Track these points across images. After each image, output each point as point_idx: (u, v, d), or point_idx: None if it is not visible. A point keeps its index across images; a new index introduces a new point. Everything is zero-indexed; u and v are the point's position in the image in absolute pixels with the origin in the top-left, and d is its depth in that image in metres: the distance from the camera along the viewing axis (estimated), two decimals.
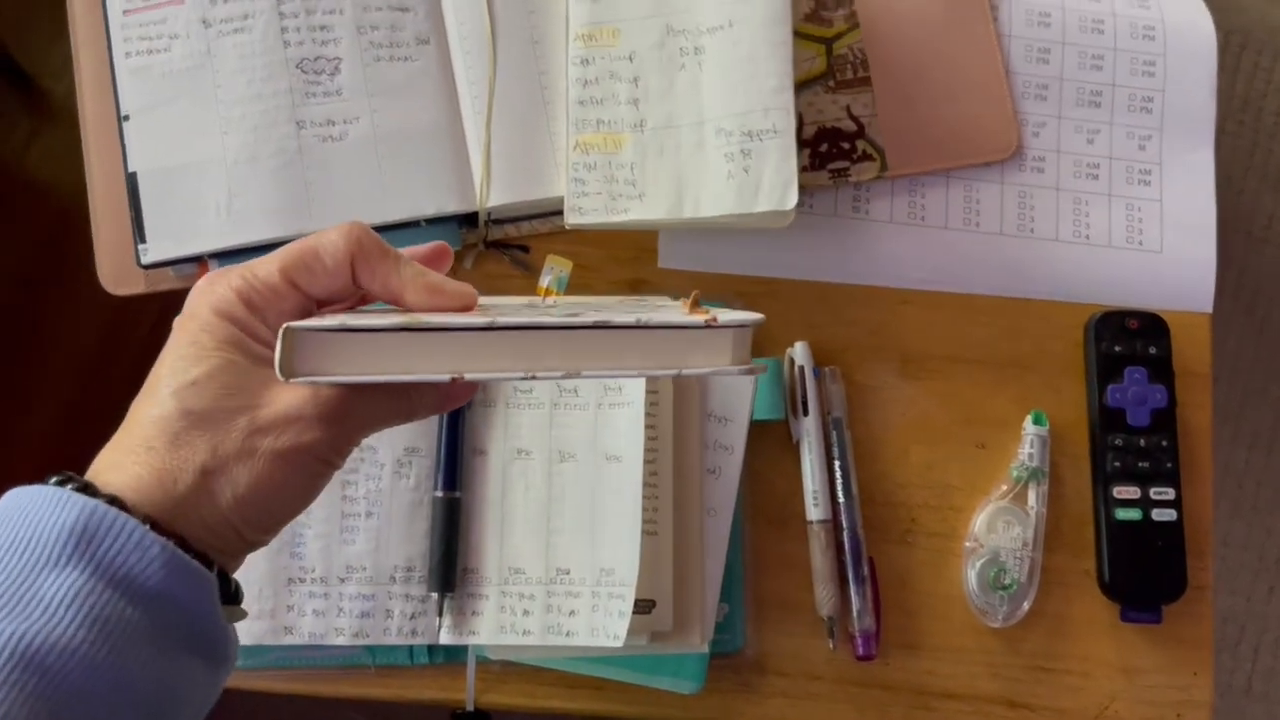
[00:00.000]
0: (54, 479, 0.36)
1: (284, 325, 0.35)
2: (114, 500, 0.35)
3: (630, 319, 0.36)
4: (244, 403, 0.37)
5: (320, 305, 0.41)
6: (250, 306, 0.39)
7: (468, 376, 0.35)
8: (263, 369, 0.38)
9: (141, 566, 0.35)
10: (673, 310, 0.40)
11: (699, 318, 0.36)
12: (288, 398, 0.38)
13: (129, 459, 0.37)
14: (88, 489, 0.36)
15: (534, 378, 0.36)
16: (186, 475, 0.37)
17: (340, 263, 0.40)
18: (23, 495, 0.36)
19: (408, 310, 0.40)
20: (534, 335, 0.36)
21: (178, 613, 0.36)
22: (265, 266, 0.39)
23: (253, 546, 0.40)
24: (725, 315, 0.36)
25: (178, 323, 0.40)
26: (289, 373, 0.35)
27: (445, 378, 0.35)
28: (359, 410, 0.39)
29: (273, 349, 0.36)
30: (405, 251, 0.42)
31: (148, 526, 0.35)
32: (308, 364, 0.35)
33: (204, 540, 0.37)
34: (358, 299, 0.43)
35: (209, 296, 0.39)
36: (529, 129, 0.65)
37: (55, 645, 0.33)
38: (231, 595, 0.39)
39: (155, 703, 0.36)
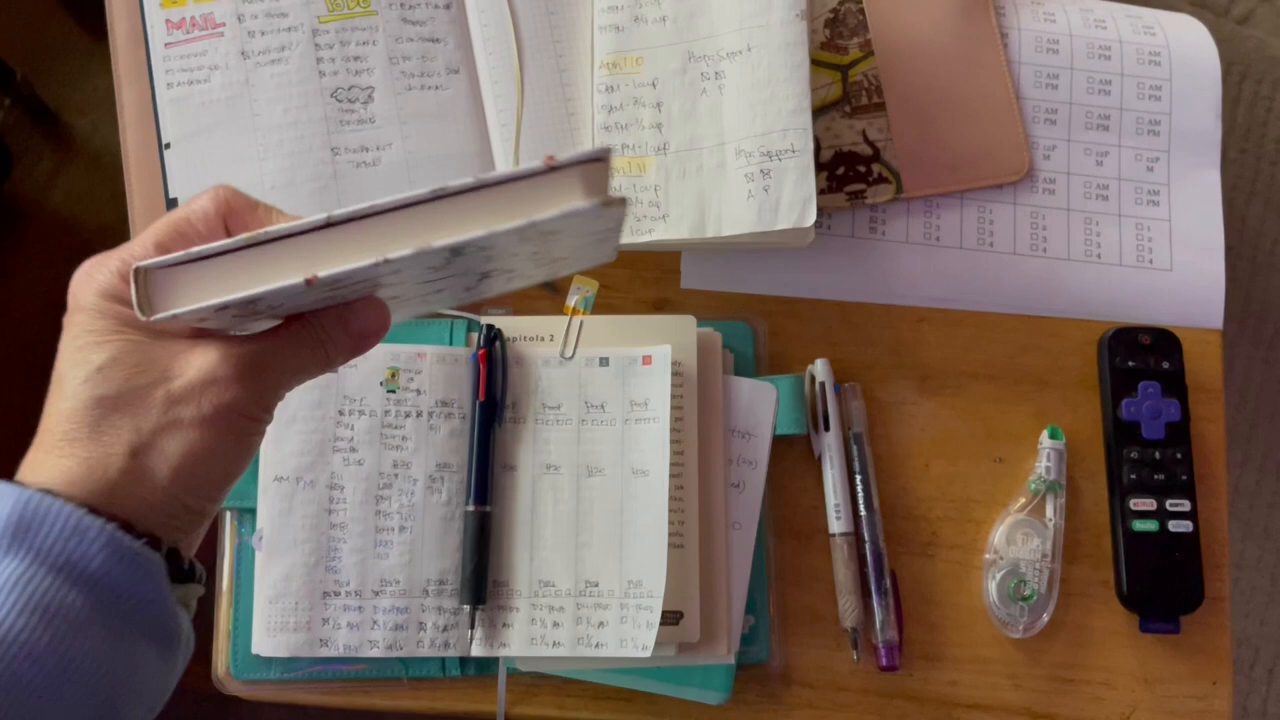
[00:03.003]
0: None
1: (132, 266, 0.35)
2: (47, 492, 0.35)
3: (469, 180, 0.35)
4: (155, 377, 0.37)
5: None
6: None
7: (321, 275, 0.35)
8: (165, 342, 0.38)
9: (81, 550, 0.35)
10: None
11: (539, 163, 0.35)
12: (199, 363, 0.38)
13: (52, 456, 0.37)
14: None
15: (386, 261, 0.35)
16: (116, 459, 0.37)
17: (213, 225, 0.40)
18: None
19: None
20: (376, 220, 0.35)
21: (124, 596, 0.36)
22: (141, 244, 0.39)
23: (202, 517, 0.39)
24: (568, 154, 0.35)
25: (67, 318, 0.39)
26: (149, 310, 0.35)
27: (299, 280, 0.35)
28: (272, 362, 0.39)
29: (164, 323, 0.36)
30: None
31: (85, 510, 0.35)
32: (165, 299, 0.35)
33: (150, 519, 0.37)
34: None
35: (92, 284, 0.39)
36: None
37: None
38: (186, 572, 0.39)
39: (105, 690, 0.35)
